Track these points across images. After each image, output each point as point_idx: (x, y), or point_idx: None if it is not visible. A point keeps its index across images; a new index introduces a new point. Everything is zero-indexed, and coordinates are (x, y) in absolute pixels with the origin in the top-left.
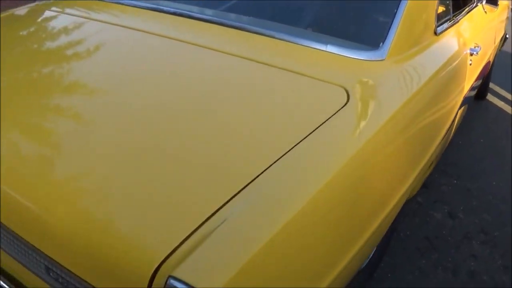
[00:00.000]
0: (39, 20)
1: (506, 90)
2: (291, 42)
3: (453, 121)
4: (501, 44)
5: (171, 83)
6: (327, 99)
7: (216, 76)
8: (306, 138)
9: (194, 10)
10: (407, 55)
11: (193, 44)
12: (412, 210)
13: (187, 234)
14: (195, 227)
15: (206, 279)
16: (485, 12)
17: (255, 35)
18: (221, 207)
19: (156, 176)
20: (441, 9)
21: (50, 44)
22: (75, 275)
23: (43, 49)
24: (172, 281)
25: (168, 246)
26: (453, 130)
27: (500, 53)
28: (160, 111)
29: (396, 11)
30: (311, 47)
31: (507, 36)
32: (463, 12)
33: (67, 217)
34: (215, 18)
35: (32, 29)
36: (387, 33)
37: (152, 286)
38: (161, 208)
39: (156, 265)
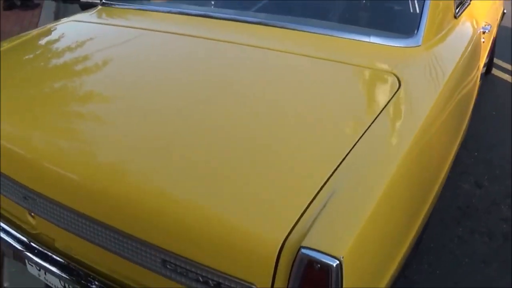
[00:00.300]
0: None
1: (508, 63)
2: (337, 36)
3: (477, 94)
4: (500, 19)
5: (251, 80)
6: (383, 84)
7: (282, 73)
8: (376, 120)
9: (237, 13)
10: (437, 40)
11: (249, 45)
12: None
13: (304, 208)
14: (309, 202)
15: (333, 244)
16: None
17: (301, 32)
18: (327, 181)
19: (266, 161)
20: None
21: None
22: (197, 263)
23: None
24: (304, 251)
25: (289, 221)
26: (475, 101)
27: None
28: (250, 104)
29: (424, 1)
30: (355, 40)
31: (505, 11)
32: None
33: (190, 213)
34: (260, 20)
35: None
36: (420, 21)
37: (280, 260)
38: (276, 188)
39: (282, 240)
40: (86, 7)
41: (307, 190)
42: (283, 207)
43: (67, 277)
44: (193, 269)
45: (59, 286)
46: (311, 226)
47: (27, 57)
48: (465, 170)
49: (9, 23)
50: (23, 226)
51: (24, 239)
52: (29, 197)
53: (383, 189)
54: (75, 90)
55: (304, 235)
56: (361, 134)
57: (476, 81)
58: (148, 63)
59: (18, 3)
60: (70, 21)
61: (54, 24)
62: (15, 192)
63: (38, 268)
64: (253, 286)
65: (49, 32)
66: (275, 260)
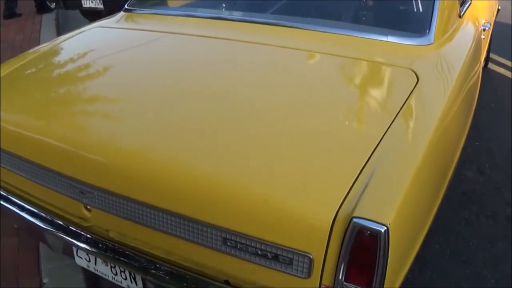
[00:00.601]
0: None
1: (504, 57)
2: (357, 36)
3: (478, 88)
4: (496, 16)
5: (287, 75)
6: (403, 79)
7: (313, 69)
8: (402, 109)
9: (258, 15)
10: (447, 38)
11: (276, 46)
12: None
13: (351, 185)
14: (355, 178)
15: (381, 213)
16: None
17: (322, 33)
18: (368, 161)
19: (315, 145)
20: None
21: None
22: (256, 238)
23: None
24: (355, 220)
25: (339, 196)
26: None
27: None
28: (294, 95)
29: (434, 2)
30: (374, 39)
31: (499, 7)
32: None
33: (250, 194)
34: (282, 22)
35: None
36: (431, 21)
37: (333, 230)
38: (325, 168)
39: (334, 213)
40: (87, 13)
41: (352, 169)
42: (333, 185)
43: (126, 261)
44: (252, 244)
45: (109, 275)
46: (359, 199)
47: (70, 57)
48: (468, 158)
49: (11, 32)
50: (75, 220)
51: (78, 231)
52: (87, 191)
53: (415, 166)
54: (127, 83)
55: (353, 207)
56: (391, 122)
57: (479, 74)
58: (174, 60)
59: (17, 12)
60: (96, 27)
61: (81, 30)
62: (71, 188)
63: (88, 259)
64: (309, 255)
65: (81, 37)
66: (328, 231)
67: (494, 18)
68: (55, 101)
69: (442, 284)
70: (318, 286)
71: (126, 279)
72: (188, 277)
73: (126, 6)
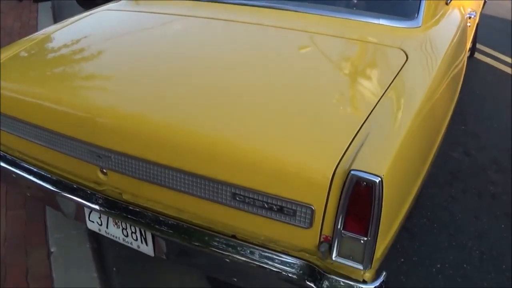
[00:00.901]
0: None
1: (490, 47)
2: (352, 19)
3: (464, 70)
4: (482, 7)
5: (295, 52)
6: (394, 57)
7: (313, 46)
8: (393, 82)
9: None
10: (433, 22)
11: (278, 27)
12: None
13: (349, 142)
14: (353, 137)
15: (376, 166)
16: None
17: (320, 16)
18: (365, 122)
19: (317, 108)
20: None
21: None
22: (263, 192)
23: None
24: (353, 172)
25: (338, 153)
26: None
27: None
28: (296, 69)
29: None
30: (368, 22)
31: (486, 0)
32: None
33: (258, 151)
34: (281, 5)
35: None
36: (419, 6)
37: (333, 182)
38: (327, 128)
39: (334, 167)
40: (82, 1)
41: (350, 129)
42: (333, 143)
43: (138, 220)
44: (259, 198)
45: (120, 237)
46: (356, 155)
47: (84, 35)
48: (454, 141)
49: (10, 19)
50: (90, 184)
51: (92, 193)
52: (104, 155)
53: (406, 128)
54: (138, 58)
55: (351, 162)
56: (384, 91)
57: (464, 56)
58: (180, 38)
59: None
60: (104, 10)
61: (90, 13)
62: (89, 153)
63: (100, 223)
64: (311, 206)
65: (91, 18)
66: (329, 183)
67: (480, 8)
68: (74, 73)
69: (430, 254)
70: (318, 235)
71: (136, 239)
72: (197, 232)
73: None
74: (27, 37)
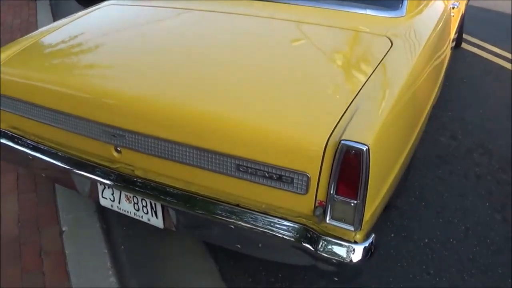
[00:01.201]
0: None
1: (476, 37)
2: (340, 10)
3: (448, 59)
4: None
5: (291, 39)
6: (380, 44)
7: (307, 35)
8: (379, 65)
9: None
10: (417, 12)
11: (275, 18)
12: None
13: (340, 117)
14: (343, 112)
15: (363, 137)
16: None
17: (312, 8)
18: (353, 99)
19: (312, 87)
20: None
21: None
22: (264, 163)
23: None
24: (343, 142)
25: (330, 126)
26: (448, 64)
27: (467, 7)
28: (292, 53)
29: None
30: (356, 12)
31: None
32: None
33: (260, 126)
34: None
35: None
36: None
37: (326, 152)
38: (320, 105)
39: (326, 139)
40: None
41: (341, 105)
42: (326, 117)
43: (149, 193)
44: (261, 168)
45: (132, 211)
46: (345, 127)
47: (96, 26)
48: (442, 126)
49: (9, 16)
50: (104, 162)
51: (107, 170)
52: (118, 134)
53: (391, 104)
54: (147, 46)
55: (341, 134)
56: (372, 72)
57: (448, 43)
58: (186, 28)
59: None
60: (111, 4)
61: (97, 7)
62: (104, 133)
63: (113, 199)
64: (307, 174)
65: (99, 12)
66: (322, 153)
67: (466, 1)
68: (90, 62)
69: (418, 230)
70: (314, 200)
71: (147, 213)
72: (204, 201)
73: None
74: (41, 30)
